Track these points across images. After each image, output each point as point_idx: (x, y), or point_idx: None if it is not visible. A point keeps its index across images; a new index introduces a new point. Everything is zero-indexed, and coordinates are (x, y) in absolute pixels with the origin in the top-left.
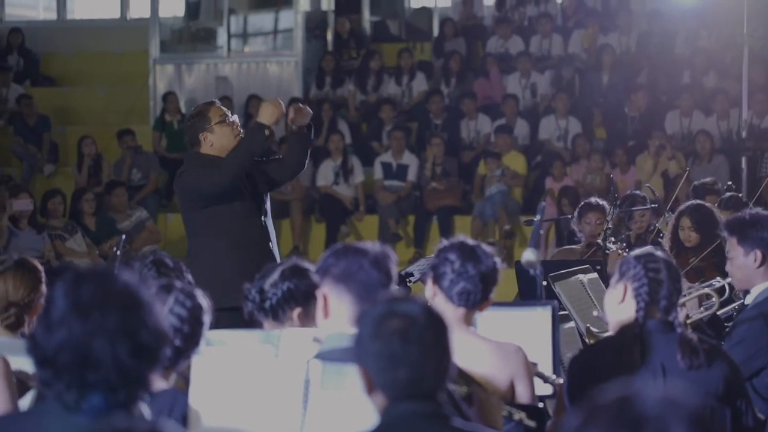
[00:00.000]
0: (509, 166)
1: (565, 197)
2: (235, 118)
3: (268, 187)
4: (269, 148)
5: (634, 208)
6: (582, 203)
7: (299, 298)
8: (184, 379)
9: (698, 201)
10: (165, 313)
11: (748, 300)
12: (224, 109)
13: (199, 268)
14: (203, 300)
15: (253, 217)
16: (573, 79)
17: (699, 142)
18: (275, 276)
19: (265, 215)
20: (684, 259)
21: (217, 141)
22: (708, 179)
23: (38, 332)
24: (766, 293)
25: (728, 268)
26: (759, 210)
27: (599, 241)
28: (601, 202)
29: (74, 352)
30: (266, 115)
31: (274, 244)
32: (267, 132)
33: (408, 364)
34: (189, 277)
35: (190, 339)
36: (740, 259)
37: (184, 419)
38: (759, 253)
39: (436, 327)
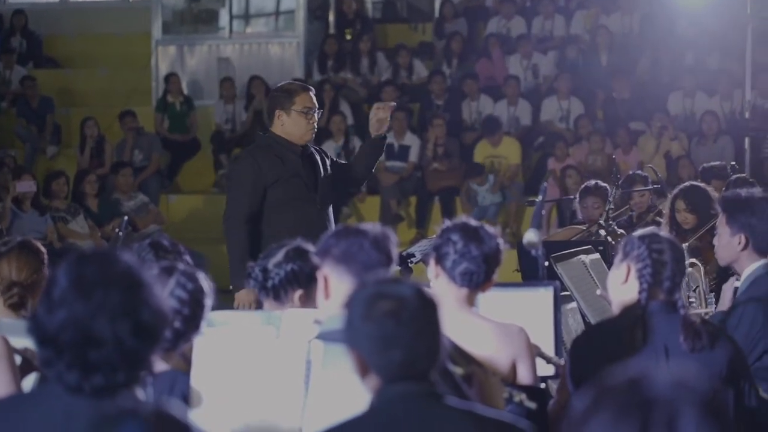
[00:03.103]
0: (505, 156)
1: (569, 177)
2: (317, 114)
3: (336, 189)
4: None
5: (632, 189)
6: (582, 187)
7: (302, 280)
8: (186, 360)
9: (691, 182)
10: (166, 295)
11: (737, 283)
12: (313, 101)
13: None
14: (205, 282)
15: (304, 206)
16: (577, 59)
17: (705, 122)
18: (279, 256)
19: (324, 207)
20: (684, 241)
21: (289, 126)
22: (716, 163)
23: (40, 312)
24: (753, 276)
25: (715, 241)
26: (759, 192)
27: (601, 221)
28: (602, 184)
29: (76, 330)
30: (240, 300)
31: None
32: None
33: (401, 346)
34: (188, 258)
35: (191, 321)
36: (726, 238)
37: (184, 399)
38: (743, 237)
39: (428, 307)
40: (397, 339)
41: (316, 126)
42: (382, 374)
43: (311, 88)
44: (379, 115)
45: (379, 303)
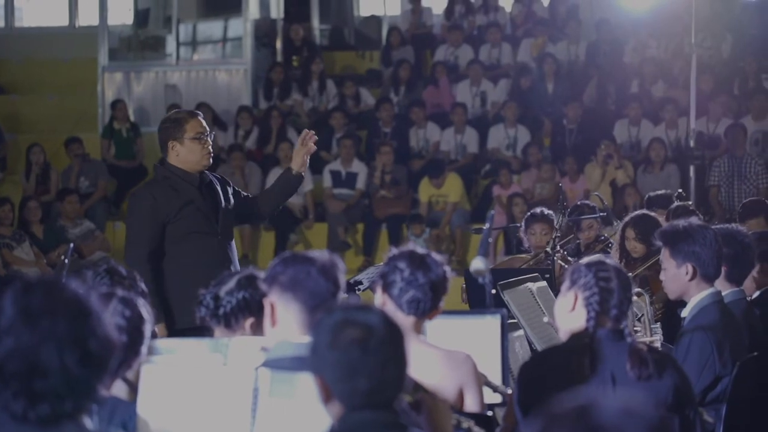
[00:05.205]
0: (447, 195)
1: (516, 206)
2: (211, 137)
3: (237, 220)
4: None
5: (582, 217)
6: (528, 214)
7: (253, 308)
8: (130, 387)
9: (643, 211)
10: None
11: (685, 313)
12: (204, 125)
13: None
14: (144, 309)
15: (205, 238)
16: (528, 88)
17: (653, 150)
18: (231, 284)
19: (226, 237)
20: (633, 269)
21: (183, 155)
22: (662, 192)
23: None
24: (701, 305)
25: (662, 277)
26: (696, 220)
27: (548, 249)
28: (547, 212)
29: (22, 360)
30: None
31: (235, 267)
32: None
33: (367, 374)
34: (142, 286)
35: (129, 349)
36: (672, 271)
37: (123, 427)
38: (690, 267)
39: (394, 336)
40: (363, 368)
41: (211, 150)
42: (346, 402)
43: (199, 113)
44: (308, 145)
45: (346, 330)
